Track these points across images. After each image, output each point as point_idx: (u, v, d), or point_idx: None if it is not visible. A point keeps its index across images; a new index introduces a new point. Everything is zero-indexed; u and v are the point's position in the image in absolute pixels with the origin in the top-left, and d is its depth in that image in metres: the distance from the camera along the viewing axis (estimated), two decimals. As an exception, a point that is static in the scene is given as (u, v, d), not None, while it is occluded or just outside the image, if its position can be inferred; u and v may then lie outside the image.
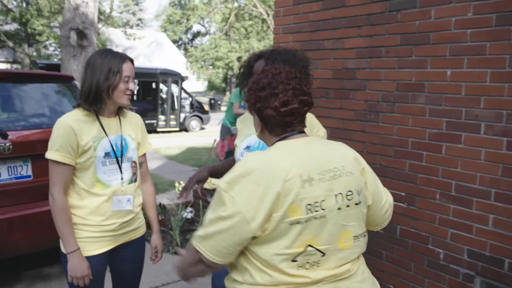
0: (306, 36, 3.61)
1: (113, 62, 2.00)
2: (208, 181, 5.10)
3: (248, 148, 2.08)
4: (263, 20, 28.53)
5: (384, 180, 3.13)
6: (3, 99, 4.25)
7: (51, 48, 25.27)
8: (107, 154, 2.07)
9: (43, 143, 3.36)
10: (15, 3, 22.47)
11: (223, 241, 1.24)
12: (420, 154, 2.89)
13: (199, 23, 37.71)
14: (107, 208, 2.07)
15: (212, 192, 5.02)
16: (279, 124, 1.33)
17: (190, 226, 5.16)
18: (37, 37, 21.54)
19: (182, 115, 16.84)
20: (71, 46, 13.39)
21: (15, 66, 27.17)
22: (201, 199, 5.17)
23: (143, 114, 15.74)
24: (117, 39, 30.13)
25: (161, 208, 5.56)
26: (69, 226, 2.00)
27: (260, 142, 2.02)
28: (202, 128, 17.25)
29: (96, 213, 2.07)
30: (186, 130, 16.87)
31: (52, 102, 3.88)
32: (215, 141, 5.79)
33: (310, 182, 1.23)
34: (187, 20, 33.91)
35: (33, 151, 3.37)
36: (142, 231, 2.32)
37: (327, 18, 3.41)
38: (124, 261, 2.25)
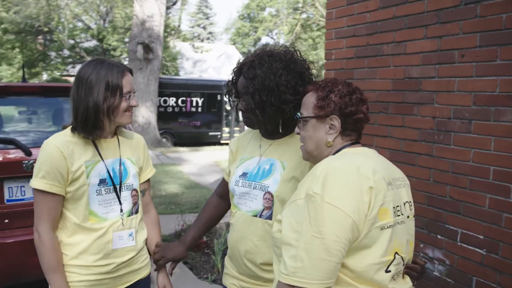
0: (362, 40, 3.06)
1: (110, 77, 1.68)
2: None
3: (244, 175, 1.70)
4: (332, 31, 27.70)
5: (456, 217, 2.50)
6: (29, 114, 4.16)
7: (125, 62, 26.50)
8: (102, 181, 1.74)
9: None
10: (93, 22, 23.82)
11: (333, 257, 1.13)
12: (507, 188, 2.23)
13: (268, 35, 37.78)
14: (103, 245, 1.74)
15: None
16: (358, 128, 1.38)
17: (236, 251, 4.73)
18: (112, 52, 22.56)
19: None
20: (138, 60, 13.78)
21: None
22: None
23: (208, 125, 15.99)
24: (187, 53, 30.92)
25: (205, 230, 5.20)
26: (59, 268, 1.68)
27: (260, 168, 1.66)
28: (266, 141, 16.94)
29: (89, 252, 1.73)
30: (249, 142, 16.68)
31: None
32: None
33: (392, 185, 1.25)
34: (256, 32, 34.09)
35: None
36: (146, 271, 1.94)
37: (387, 17, 2.85)
38: None
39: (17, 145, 3.00)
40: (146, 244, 1.96)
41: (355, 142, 1.39)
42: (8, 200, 3.03)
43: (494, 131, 2.28)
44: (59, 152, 1.65)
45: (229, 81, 1.76)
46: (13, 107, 4.42)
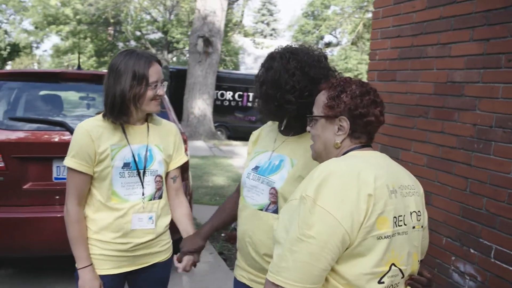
0: (406, 41, 2.96)
1: (138, 67, 1.77)
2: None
3: (256, 168, 1.72)
4: (398, 31, 26.78)
5: (491, 232, 2.36)
6: (87, 99, 4.39)
7: (187, 55, 27.24)
8: (126, 165, 1.84)
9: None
10: (160, 15, 24.67)
11: (317, 262, 1.10)
12: (547, 204, 2.08)
13: (331, 34, 37.24)
14: (122, 225, 1.85)
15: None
16: (369, 131, 1.33)
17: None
18: (175, 45, 23.28)
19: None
20: (197, 53, 14.11)
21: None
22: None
23: (263, 121, 16.00)
24: (249, 48, 31.21)
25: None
26: (82, 240, 1.82)
27: (271, 163, 1.67)
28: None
29: (110, 229, 1.85)
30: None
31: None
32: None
33: (395, 194, 1.19)
34: (318, 30, 33.72)
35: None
36: (166, 255, 2.02)
37: (433, 18, 2.73)
38: (144, 285, 2.01)
39: (65, 127, 3.20)
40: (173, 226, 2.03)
41: (366, 145, 1.33)
42: (56, 178, 3.24)
43: (537, 143, 2.13)
44: (88, 135, 1.77)
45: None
46: (73, 92, 4.71)
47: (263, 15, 43.24)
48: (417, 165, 2.83)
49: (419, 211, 1.29)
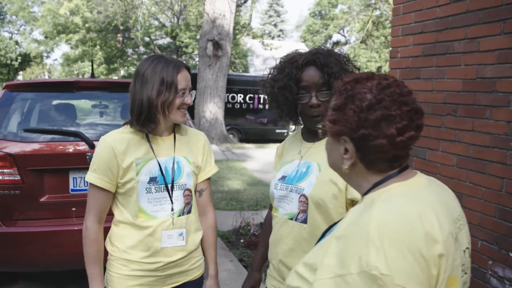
0: (430, 37, 2.84)
1: (166, 73, 1.67)
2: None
3: (283, 178, 1.65)
4: (407, 27, 26.56)
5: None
6: (100, 108, 4.35)
7: (197, 59, 27.29)
8: (153, 179, 1.73)
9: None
10: (168, 20, 24.75)
11: None
12: None
13: (339, 33, 37.01)
14: (151, 243, 1.73)
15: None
16: (386, 158, 0.96)
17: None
18: (184, 49, 23.29)
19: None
20: (207, 56, 14.07)
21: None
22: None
23: (274, 123, 15.97)
24: (257, 50, 31.15)
25: (260, 228, 5.16)
26: (98, 260, 1.73)
27: (298, 171, 1.59)
28: (332, 140, 16.64)
29: (138, 248, 1.74)
30: (316, 141, 16.49)
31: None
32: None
33: (458, 240, 0.93)
34: (326, 29, 33.55)
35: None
36: (198, 273, 1.91)
37: (459, 12, 2.61)
38: None
39: (81, 137, 3.14)
40: (201, 246, 1.93)
41: (402, 169, 0.99)
42: (72, 190, 3.18)
43: None
44: (111, 148, 1.67)
45: (285, 76, 1.63)
46: (86, 101, 4.66)
47: (270, 16, 43.17)
48: (446, 165, 2.71)
49: (469, 245, 1.03)
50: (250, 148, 13.80)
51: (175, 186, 1.77)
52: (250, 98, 15.48)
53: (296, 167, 1.63)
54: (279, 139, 15.91)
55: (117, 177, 1.70)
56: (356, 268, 0.83)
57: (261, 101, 15.54)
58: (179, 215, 1.78)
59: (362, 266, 0.82)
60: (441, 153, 2.77)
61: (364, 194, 1.01)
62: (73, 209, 3.17)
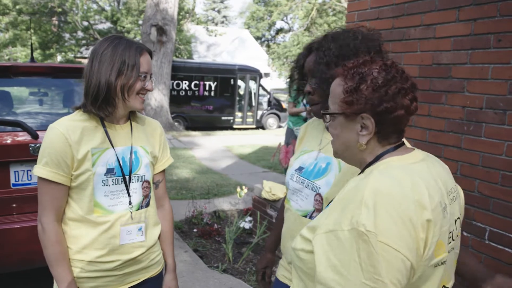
0: (386, 23, 2.87)
1: (128, 54, 1.54)
2: (268, 190, 4.54)
3: (300, 170, 1.58)
4: (348, 16, 27.18)
5: (484, 214, 2.33)
6: (39, 95, 4.06)
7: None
8: (110, 171, 1.60)
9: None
10: (107, 3, 23.69)
11: None
12: (543, 184, 2.06)
13: (282, 20, 37.28)
14: (108, 240, 1.61)
15: (271, 202, 4.45)
16: (399, 129, 1.09)
17: (247, 238, 4.63)
18: (126, 35, 22.43)
19: (259, 112, 16.65)
20: (151, 42, 13.61)
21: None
22: (259, 210, 4.60)
23: (220, 110, 15.86)
24: (201, 36, 30.66)
25: (216, 217, 5.10)
26: (65, 261, 1.57)
27: (316, 165, 1.53)
28: (279, 126, 16.85)
29: (93, 247, 1.60)
30: (263, 127, 16.64)
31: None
32: (279, 144, 5.18)
33: (446, 210, 1.02)
34: (270, 16, 33.67)
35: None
36: (158, 268, 1.81)
37: (415, -2, 2.65)
38: None
39: (23, 127, 2.90)
40: (159, 240, 1.84)
41: (399, 145, 1.10)
42: (14, 185, 2.94)
43: (531, 123, 2.10)
44: (64, 138, 1.51)
45: (293, 68, 1.61)
46: (23, 88, 4.33)
47: (214, 2, 42.61)
48: (403, 150, 2.78)
49: (460, 216, 1.14)
50: (197, 136, 13.62)
51: (133, 178, 1.65)
52: (195, 85, 15.24)
53: (315, 160, 1.56)
54: (225, 126, 15.86)
55: (72, 169, 1.54)
56: (347, 226, 0.92)
57: (207, 88, 15.35)
58: (138, 209, 1.67)
59: (353, 223, 0.91)
60: (398, 138, 2.82)
61: (364, 168, 1.11)
62: (14, 205, 2.94)
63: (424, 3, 2.59)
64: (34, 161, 2.83)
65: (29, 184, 2.97)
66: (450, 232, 1.04)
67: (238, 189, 5.44)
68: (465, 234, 2.44)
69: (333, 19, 29.41)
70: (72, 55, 23.92)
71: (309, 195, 1.52)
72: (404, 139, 1.30)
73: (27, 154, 2.88)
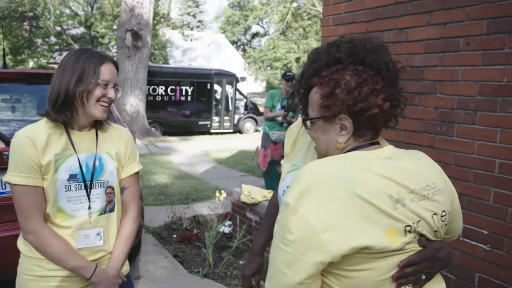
0: (361, 27, 2.94)
1: (88, 62, 1.61)
2: (247, 193, 4.55)
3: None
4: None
5: (459, 212, 2.41)
6: (12, 102, 3.98)
7: (114, 50, 26.10)
8: (73, 177, 1.64)
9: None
10: (81, 8, 23.37)
11: (293, 274, 1.03)
12: (512, 181, 2.15)
13: (258, 24, 37.48)
14: (71, 244, 1.64)
15: (251, 206, 4.46)
16: (375, 126, 1.16)
17: (227, 242, 4.63)
18: (100, 40, 22.16)
19: (236, 117, 16.63)
20: (126, 47, 13.48)
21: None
22: (238, 214, 4.61)
23: (197, 115, 15.80)
24: (177, 41, 30.52)
25: (196, 222, 5.09)
26: (72, 251, 1.62)
27: None
28: (256, 130, 16.87)
29: None
30: (240, 132, 16.62)
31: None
32: (257, 148, 5.21)
33: (402, 203, 1.06)
34: (246, 21, 33.80)
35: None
36: (123, 270, 1.80)
37: (388, 3, 2.73)
38: None
39: (-10, 134, 2.84)
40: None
41: (373, 142, 1.17)
42: (-14, 193, 2.87)
43: (500, 123, 2.19)
44: (31, 142, 1.56)
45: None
46: (-4, 94, 4.23)
47: (189, 6, 42.49)
48: (379, 151, 2.84)
49: (444, 211, 1.16)
50: (174, 141, 13.52)
51: (96, 184, 1.69)
52: (172, 90, 15.14)
53: None
54: (202, 131, 15.79)
55: (40, 172, 1.58)
56: (287, 198, 1.06)
57: (183, 93, 15.28)
58: (100, 214, 1.70)
59: (287, 196, 1.05)
60: (374, 139, 2.89)
61: None
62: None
63: (397, 7, 2.67)
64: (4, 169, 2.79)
65: (3, 193, 2.91)
66: (413, 223, 1.06)
67: (217, 194, 5.44)
68: (440, 231, 2.52)
69: (308, 23, 29.77)
70: (45, 61, 23.48)
71: None
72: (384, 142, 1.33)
73: (1, 162, 2.82)
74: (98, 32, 21.40)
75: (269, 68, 34.73)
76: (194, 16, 43.00)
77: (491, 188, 2.24)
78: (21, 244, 1.68)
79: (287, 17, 27.31)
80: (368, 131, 1.17)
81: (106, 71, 1.62)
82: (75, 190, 1.64)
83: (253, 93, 30.74)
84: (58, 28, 21.99)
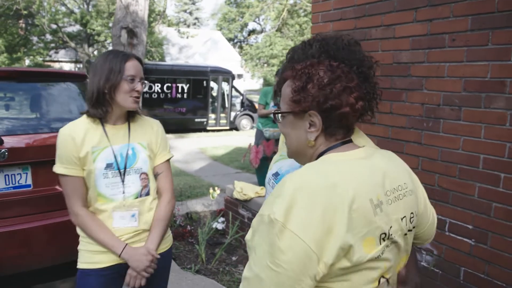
0: (349, 23, 2.95)
1: (114, 62, 1.84)
2: (239, 190, 4.57)
3: (276, 175, 1.57)
4: (320, 17, 27.41)
5: (444, 207, 2.43)
6: (5, 100, 3.99)
7: (110, 48, 26.02)
8: (109, 166, 1.88)
9: (46, 149, 3.04)
10: (76, 6, 23.28)
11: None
12: (496, 176, 2.17)
13: (254, 21, 37.43)
14: (108, 225, 1.89)
15: (243, 202, 4.48)
16: (346, 125, 1.12)
17: (220, 239, 4.65)
18: (96, 37, 22.09)
19: (233, 114, 16.62)
20: (122, 45, 13.44)
21: (78, 65, 28.25)
22: (231, 210, 4.64)
23: (194, 112, 15.78)
24: (173, 38, 30.45)
25: (189, 219, 5.10)
26: (106, 229, 1.87)
27: (289, 172, 1.49)
28: (253, 127, 16.87)
29: None
30: (236, 129, 16.62)
31: (61, 103, 3.52)
32: (250, 145, 5.22)
33: (380, 207, 1.03)
34: (242, 18, 33.75)
35: (34, 158, 3.00)
36: (163, 246, 2.01)
37: (375, 0, 2.74)
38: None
39: (-17, 133, 2.86)
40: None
41: (345, 141, 1.13)
42: (-21, 190, 2.89)
43: (484, 118, 2.21)
44: (70, 138, 1.81)
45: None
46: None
47: (186, 4, 42.39)
48: (367, 147, 2.86)
49: (412, 213, 1.14)
50: (170, 139, 13.52)
51: (130, 171, 1.90)
52: (168, 88, 15.13)
53: (290, 167, 1.53)
54: (198, 128, 15.79)
55: (79, 164, 1.83)
56: (267, 211, 0.99)
57: (179, 90, 15.26)
58: (136, 197, 1.91)
59: (269, 209, 0.98)
60: (362, 135, 2.90)
61: None
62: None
63: (384, 4, 2.68)
64: (0, 166, 2.81)
65: (1, 190, 2.93)
66: (388, 229, 1.04)
67: (211, 190, 5.45)
68: (427, 226, 2.54)
69: (304, 20, 29.71)
70: (41, 59, 23.41)
71: None
72: (360, 137, 1.35)
73: (-8, 160, 2.83)
74: (94, 30, 21.34)
75: (265, 65, 34.70)
76: (190, 13, 42.90)
77: (476, 183, 2.27)
78: (78, 228, 1.93)
79: (283, 14, 27.28)
80: (338, 130, 1.12)
81: (130, 67, 1.82)
82: (112, 177, 1.87)
83: (250, 90, 30.73)
84: (54, 26, 21.92)
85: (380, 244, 1.03)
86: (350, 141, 1.15)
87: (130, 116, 1.96)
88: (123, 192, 1.89)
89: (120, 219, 1.89)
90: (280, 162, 1.60)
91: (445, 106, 2.38)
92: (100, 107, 1.83)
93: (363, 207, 0.99)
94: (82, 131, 1.84)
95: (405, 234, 1.10)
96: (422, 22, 2.47)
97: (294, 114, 1.13)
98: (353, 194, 0.97)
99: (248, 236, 1.06)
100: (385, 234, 1.03)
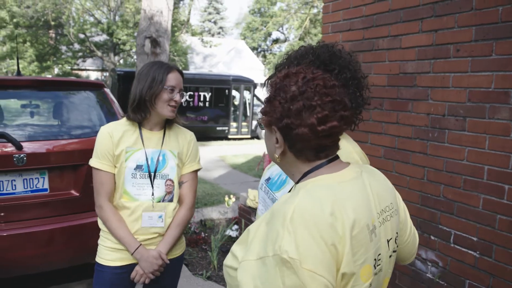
0: (357, 34, 2.98)
1: (157, 72, 1.95)
2: (252, 198, 4.61)
3: (268, 180, 1.60)
4: (343, 26, 27.34)
5: (449, 218, 2.42)
6: (29, 107, 4.15)
7: (134, 57, 26.55)
8: (139, 167, 1.99)
9: (62, 155, 3.15)
10: (104, 16, 23.90)
11: None
12: (501, 188, 2.14)
13: (278, 30, 37.60)
14: (131, 222, 1.98)
15: (256, 210, 4.51)
16: (311, 146, 1.00)
17: (234, 247, 4.69)
18: (122, 47, 22.61)
19: (254, 122, 16.67)
20: (145, 54, 13.73)
21: (104, 74, 28.93)
22: (244, 218, 4.67)
23: (215, 120, 15.94)
24: (197, 47, 30.86)
25: (203, 226, 5.16)
26: (124, 225, 1.96)
27: (280, 176, 1.52)
28: (273, 136, 16.87)
29: None
30: (257, 137, 16.67)
31: (79, 110, 3.64)
32: (264, 153, 5.26)
33: (375, 232, 0.98)
34: (266, 27, 33.97)
35: (51, 163, 3.12)
36: (176, 252, 2.10)
37: (383, 11, 2.76)
38: (154, 281, 2.04)
39: (7, 138, 2.98)
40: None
41: (331, 159, 1.04)
42: (0, 194, 3.01)
43: (488, 129, 2.19)
44: (108, 136, 1.95)
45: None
46: (13, 100, 4.41)
47: (210, 13, 42.97)
48: (375, 157, 2.86)
49: (396, 233, 1.10)
50: (192, 146, 13.66)
51: (158, 175, 1.99)
52: (190, 96, 15.33)
53: (281, 171, 1.52)
54: (220, 136, 15.90)
55: (113, 161, 1.96)
56: (271, 251, 0.88)
57: (201, 99, 15.44)
58: (159, 201, 1.99)
59: (275, 249, 0.87)
60: (370, 145, 2.91)
61: (296, 183, 1.06)
62: (2, 214, 3.01)
63: (391, 14, 2.70)
64: (18, 171, 2.95)
65: (14, 193, 3.05)
66: (379, 254, 1.01)
67: (226, 198, 5.50)
68: (432, 238, 2.52)
69: (327, 29, 29.66)
70: (69, 67, 24.07)
71: (270, 206, 1.51)
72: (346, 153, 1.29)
73: (12, 164, 2.96)
74: (119, 39, 21.84)
75: (289, 74, 34.58)
76: (215, 22, 43.43)
77: (480, 195, 2.24)
78: (100, 222, 2.03)
79: (305, 23, 27.33)
80: (306, 151, 1.02)
81: (172, 78, 1.94)
82: (140, 178, 1.97)
83: (272, 99, 30.60)
84: (82, 36, 22.54)
85: (375, 268, 0.99)
86: (336, 157, 1.06)
87: (167, 124, 2.06)
88: (152, 194, 1.99)
89: (148, 219, 1.98)
90: (272, 168, 1.64)
91: (450, 116, 2.38)
92: (139, 112, 1.95)
93: (361, 233, 0.94)
94: (121, 131, 1.97)
95: (390, 256, 1.06)
96: (427, 32, 2.47)
97: (264, 125, 1.07)
98: (351, 225, 0.92)
99: (235, 268, 0.98)
100: (375, 260, 0.99)
